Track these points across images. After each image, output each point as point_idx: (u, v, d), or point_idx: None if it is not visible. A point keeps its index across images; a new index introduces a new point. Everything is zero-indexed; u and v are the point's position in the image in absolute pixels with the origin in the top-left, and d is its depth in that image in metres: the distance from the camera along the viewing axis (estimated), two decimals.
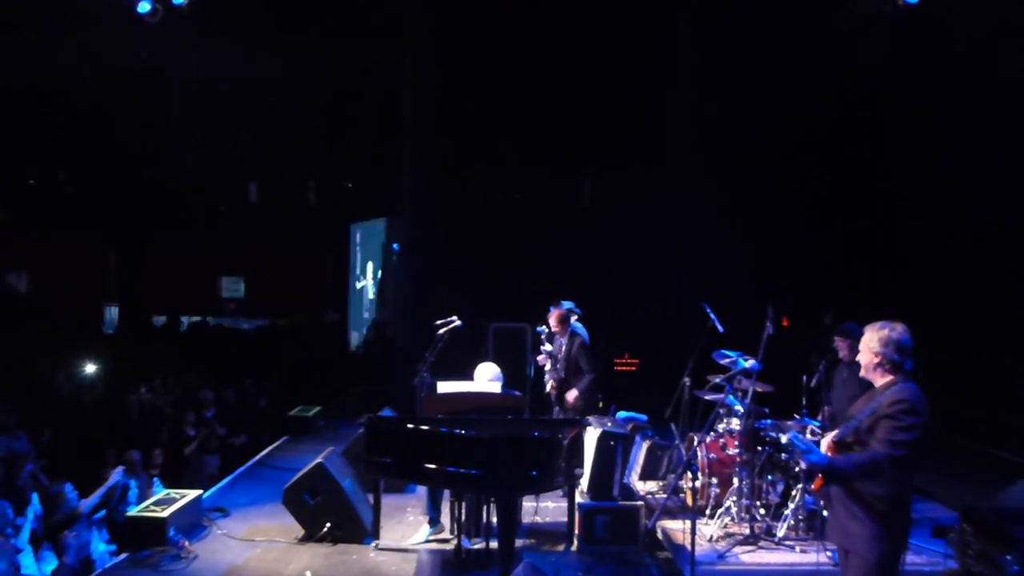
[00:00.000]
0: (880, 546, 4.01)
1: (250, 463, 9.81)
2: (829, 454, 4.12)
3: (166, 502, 7.02)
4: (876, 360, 4.10)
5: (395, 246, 15.85)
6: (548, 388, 8.53)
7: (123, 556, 6.67)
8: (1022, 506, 5.13)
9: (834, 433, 4.22)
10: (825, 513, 4.99)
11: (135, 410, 10.25)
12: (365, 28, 12.01)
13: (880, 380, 4.12)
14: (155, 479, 8.28)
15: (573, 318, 8.52)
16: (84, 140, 13.84)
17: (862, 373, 4.22)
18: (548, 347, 8.62)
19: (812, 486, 5.06)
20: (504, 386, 7.21)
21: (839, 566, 4.38)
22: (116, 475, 7.57)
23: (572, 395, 8.27)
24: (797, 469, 6.56)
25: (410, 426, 6.32)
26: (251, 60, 12.12)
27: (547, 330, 8.61)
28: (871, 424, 4.00)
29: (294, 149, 14.05)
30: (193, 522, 7.22)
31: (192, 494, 7.35)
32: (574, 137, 12.89)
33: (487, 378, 7.17)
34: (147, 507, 6.97)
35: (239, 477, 9.25)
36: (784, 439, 6.55)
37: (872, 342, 4.12)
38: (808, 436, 6.34)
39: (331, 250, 15.42)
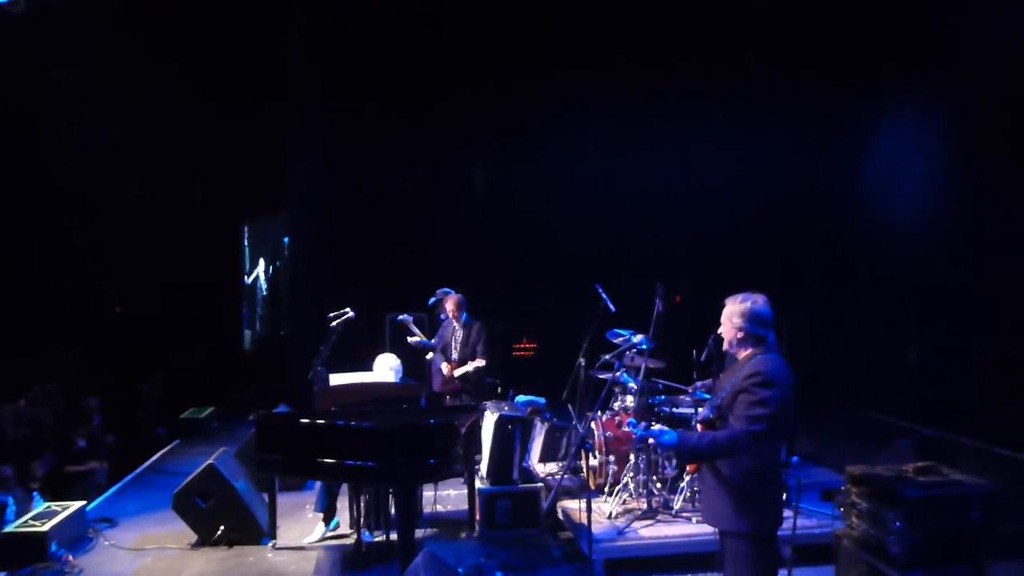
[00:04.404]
0: (747, 523, 3.91)
1: (139, 470, 9.48)
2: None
3: (46, 516, 6.72)
4: (738, 334, 3.99)
5: (285, 239, 15.53)
6: (439, 384, 8.51)
7: (1, 575, 6.34)
8: (900, 465, 5.41)
9: (703, 411, 4.15)
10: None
11: (9, 422, 9.70)
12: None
13: (742, 354, 4.02)
14: (34, 493, 7.89)
15: None
16: None
17: (725, 347, 4.11)
18: (416, 337, 8.62)
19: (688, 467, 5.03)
20: (403, 376, 7.16)
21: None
22: None
23: (462, 370, 8.26)
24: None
25: (304, 421, 6.18)
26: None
27: (412, 318, 8.67)
28: (731, 399, 3.91)
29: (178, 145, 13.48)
30: (77, 535, 6.93)
31: (75, 506, 7.05)
32: (466, 123, 12.86)
33: (386, 369, 7.12)
34: (26, 522, 6.65)
35: (128, 485, 8.93)
36: (627, 429, 6.61)
37: (733, 315, 4.01)
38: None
39: (221, 248, 14.93)
